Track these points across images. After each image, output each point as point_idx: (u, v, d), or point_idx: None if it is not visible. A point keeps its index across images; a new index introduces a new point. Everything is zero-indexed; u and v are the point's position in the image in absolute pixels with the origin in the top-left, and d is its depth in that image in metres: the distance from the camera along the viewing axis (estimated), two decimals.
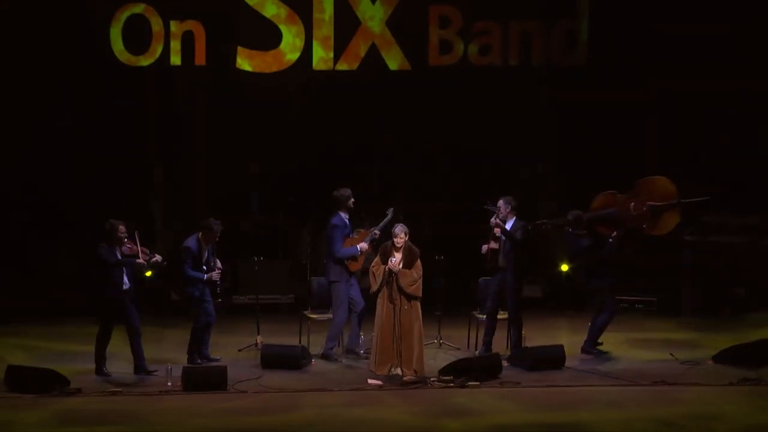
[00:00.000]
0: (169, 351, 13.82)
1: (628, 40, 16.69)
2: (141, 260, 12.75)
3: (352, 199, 13.64)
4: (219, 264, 13.29)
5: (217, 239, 13.29)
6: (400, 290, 12.64)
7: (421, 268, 12.73)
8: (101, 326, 12.84)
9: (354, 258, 13.63)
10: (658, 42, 16.60)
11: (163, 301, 16.33)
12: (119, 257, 12.69)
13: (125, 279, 12.74)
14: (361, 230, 13.83)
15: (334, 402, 11.86)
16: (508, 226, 13.27)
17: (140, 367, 12.82)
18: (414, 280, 12.65)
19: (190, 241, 13.21)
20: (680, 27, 16.44)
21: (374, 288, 12.78)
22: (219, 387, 12.18)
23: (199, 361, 13.20)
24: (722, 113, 16.68)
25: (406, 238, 12.71)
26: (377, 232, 13.71)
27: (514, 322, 13.50)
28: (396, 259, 12.64)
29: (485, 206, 13.43)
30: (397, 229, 12.76)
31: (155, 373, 12.73)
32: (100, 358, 12.83)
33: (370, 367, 12.80)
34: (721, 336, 14.33)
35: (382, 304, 12.73)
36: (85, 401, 11.82)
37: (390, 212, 13.66)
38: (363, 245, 13.63)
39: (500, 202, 13.34)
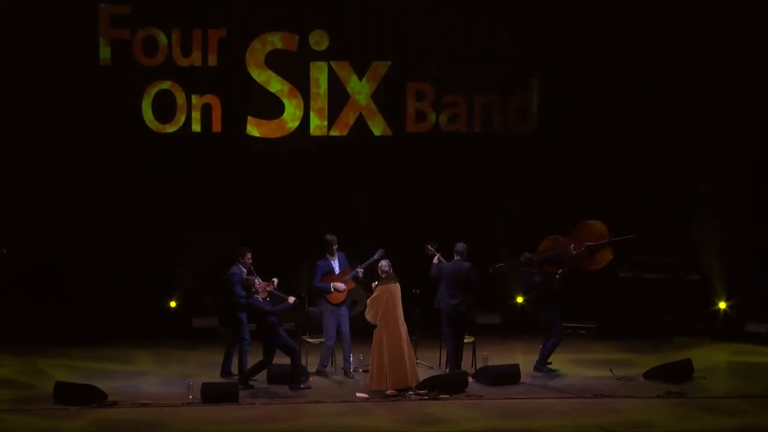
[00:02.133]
0: (191, 369, 13.85)
1: (572, 112, 16.87)
2: (294, 298, 12.80)
3: (335, 246, 13.57)
4: (260, 280, 12.93)
5: (251, 261, 13.17)
6: None
7: (378, 295, 12.77)
8: (268, 357, 12.89)
9: (327, 292, 13.44)
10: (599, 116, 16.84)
11: (186, 326, 16.28)
12: (273, 305, 12.74)
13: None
14: (348, 269, 13.64)
15: (329, 412, 11.90)
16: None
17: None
18: (367, 305, 12.84)
19: (234, 269, 13.06)
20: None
21: None
22: (232, 400, 12.21)
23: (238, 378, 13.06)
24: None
25: (383, 270, 12.89)
26: (360, 270, 13.53)
27: (445, 340, 13.54)
28: (376, 285, 12.89)
29: (427, 248, 13.63)
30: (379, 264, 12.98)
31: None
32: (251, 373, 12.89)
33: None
34: (650, 356, 14.39)
35: None
36: (121, 412, 11.84)
37: (378, 254, 13.36)
38: (338, 284, 13.39)
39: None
